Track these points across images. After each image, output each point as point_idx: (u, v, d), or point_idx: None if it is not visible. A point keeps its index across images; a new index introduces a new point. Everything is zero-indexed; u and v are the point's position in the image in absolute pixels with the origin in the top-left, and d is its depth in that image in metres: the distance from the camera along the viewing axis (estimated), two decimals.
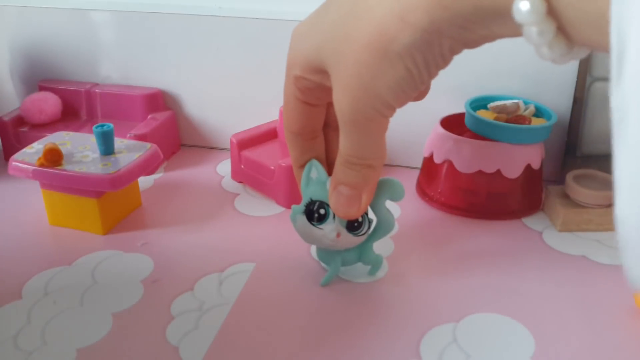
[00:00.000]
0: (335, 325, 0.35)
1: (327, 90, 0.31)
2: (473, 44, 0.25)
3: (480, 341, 0.33)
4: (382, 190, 0.35)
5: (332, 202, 0.34)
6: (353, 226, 0.35)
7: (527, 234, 0.45)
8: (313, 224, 0.36)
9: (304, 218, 0.36)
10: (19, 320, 0.35)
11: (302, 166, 0.36)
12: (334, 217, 0.35)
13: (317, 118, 0.34)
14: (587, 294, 0.38)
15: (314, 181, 0.35)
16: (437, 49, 0.25)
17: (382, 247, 0.42)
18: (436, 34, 0.24)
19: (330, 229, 0.35)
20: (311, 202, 0.35)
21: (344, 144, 0.30)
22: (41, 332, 0.34)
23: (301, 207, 0.36)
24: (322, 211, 0.35)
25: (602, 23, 0.18)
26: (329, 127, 0.36)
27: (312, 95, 0.32)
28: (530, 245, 0.43)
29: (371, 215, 0.36)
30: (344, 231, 0.35)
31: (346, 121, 0.29)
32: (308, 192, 0.35)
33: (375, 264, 0.38)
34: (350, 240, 0.36)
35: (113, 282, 0.38)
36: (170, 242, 0.43)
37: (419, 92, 0.28)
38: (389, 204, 0.36)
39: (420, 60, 0.25)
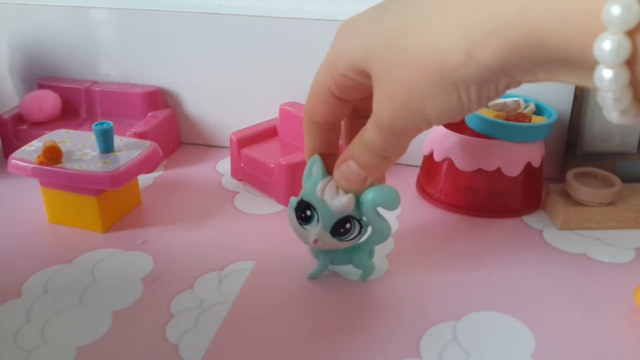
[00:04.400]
0: (335, 323, 0.35)
1: (365, 89, 0.30)
2: (529, 82, 0.25)
3: (481, 339, 0.33)
4: (373, 197, 0.33)
5: (336, 174, 0.33)
6: (339, 232, 0.35)
7: (528, 232, 0.45)
8: (300, 223, 0.36)
9: (294, 214, 0.36)
10: (19, 318, 0.35)
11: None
12: (318, 221, 0.35)
13: (344, 112, 0.34)
14: (587, 292, 0.38)
15: (313, 180, 0.35)
16: (493, 84, 0.25)
17: (382, 245, 0.42)
18: (498, 73, 0.24)
19: (312, 232, 0.35)
20: (302, 201, 0.35)
21: (372, 135, 0.30)
22: (41, 331, 0.34)
23: (295, 202, 0.36)
24: (308, 212, 0.35)
25: None
26: (359, 115, 0.36)
27: (349, 92, 0.32)
28: (531, 244, 0.43)
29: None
30: (326, 236, 0.35)
31: (383, 125, 0.29)
32: (304, 189, 0.35)
33: (366, 270, 0.38)
34: (336, 243, 0.35)
35: (113, 280, 0.38)
36: (170, 240, 0.43)
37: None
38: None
39: (474, 92, 0.25)
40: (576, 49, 0.20)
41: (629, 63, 0.19)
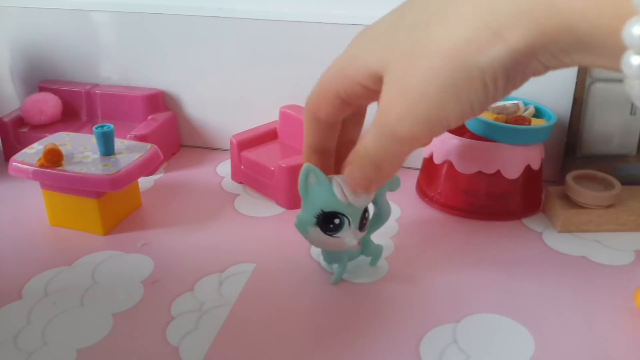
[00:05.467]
0: (335, 325, 0.35)
1: (374, 97, 0.29)
2: (556, 68, 0.24)
3: (480, 342, 0.33)
4: (383, 185, 0.36)
5: (346, 176, 0.33)
6: (363, 225, 0.35)
7: (527, 234, 0.45)
8: (329, 234, 0.35)
9: (317, 230, 0.35)
10: (19, 320, 0.35)
11: (315, 151, 0.35)
12: (350, 223, 0.34)
13: (348, 112, 0.33)
14: (587, 295, 0.38)
15: (317, 189, 0.34)
16: (521, 69, 0.23)
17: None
18: (526, 56, 0.22)
19: (349, 237, 0.35)
20: (323, 214, 0.34)
21: (371, 140, 0.29)
22: (41, 333, 0.34)
23: (310, 218, 0.34)
24: (336, 221, 0.34)
25: None
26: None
27: (356, 98, 0.31)
28: (530, 246, 0.43)
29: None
30: (358, 234, 0.35)
31: (386, 128, 0.27)
32: (314, 202, 0.34)
33: (375, 254, 0.39)
34: (360, 237, 0.36)
35: (113, 283, 0.38)
36: (171, 243, 0.43)
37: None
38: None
39: (501, 78, 0.23)
40: (605, 34, 0.20)
41: None
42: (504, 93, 0.24)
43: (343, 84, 0.30)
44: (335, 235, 0.35)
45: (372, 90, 0.29)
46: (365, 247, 0.39)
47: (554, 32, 0.21)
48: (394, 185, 0.37)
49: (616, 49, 0.20)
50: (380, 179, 0.31)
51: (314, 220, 0.34)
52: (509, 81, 0.24)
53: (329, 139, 0.35)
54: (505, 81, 0.24)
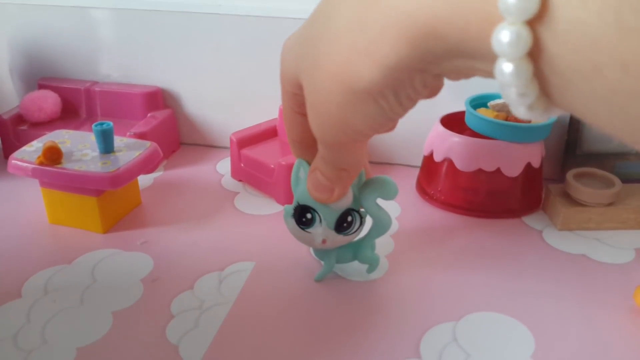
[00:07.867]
0: (335, 324, 0.35)
1: None
2: (449, 77, 0.22)
3: (480, 340, 0.33)
4: (372, 188, 0.35)
5: (307, 182, 0.33)
6: (342, 227, 0.35)
7: (527, 232, 0.45)
8: (301, 228, 0.36)
9: (293, 221, 0.36)
10: (19, 319, 0.35)
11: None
12: (320, 221, 0.35)
13: None
14: (587, 293, 0.38)
15: (303, 182, 0.35)
16: (407, 83, 0.23)
17: (382, 245, 0.42)
18: (405, 71, 0.22)
19: (317, 234, 0.35)
20: (299, 206, 0.35)
21: (320, 148, 0.29)
22: (41, 331, 0.34)
23: (290, 209, 0.36)
24: (308, 216, 0.35)
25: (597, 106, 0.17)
26: None
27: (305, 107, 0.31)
28: (530, 244, 0.43)
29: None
30: (331, 234, 0.35)
31: (318, 139, 0.28)
32: (296, 194, 0.35)
33: (372, 263, 0.38)
34: (340, 240, 0.36)
35: (113, 281, 0.38)
36: (170, 241, 0.43)
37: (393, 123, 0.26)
38: (388, 204, 0.36)
39: (391, 95, 0.23)
40: (475, 41, 0.19)
41: (532, 55, 0.17)
42: (404, 107, 0.24)
43: (287, 96, 0.30)
44: (306, 229, 0.35)
45: None
46: (361, 254, 0.38)
47: (424, 42, 0.20)
48: (386, 194, 0.35)
49: (490, 56, 0.18)
50: (346, 179, 0.32)
51: (292, 211, 0.36)
52: (401, 97, 0.23)
53: (313, 156, 0.34)
54: (395, 97, 0.23)
